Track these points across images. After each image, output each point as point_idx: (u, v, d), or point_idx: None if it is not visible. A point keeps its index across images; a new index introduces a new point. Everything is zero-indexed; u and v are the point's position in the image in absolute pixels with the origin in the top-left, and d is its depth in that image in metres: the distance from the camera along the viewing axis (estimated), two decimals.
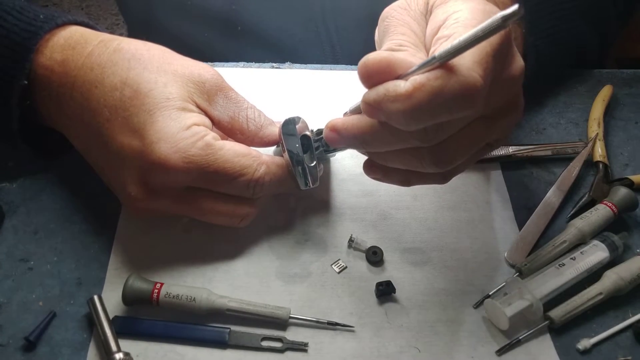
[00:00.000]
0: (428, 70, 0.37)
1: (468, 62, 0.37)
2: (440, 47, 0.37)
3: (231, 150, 0.46)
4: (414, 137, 0.40)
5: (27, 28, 0.48)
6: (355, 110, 0.44)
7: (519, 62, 0.42)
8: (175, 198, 0.47)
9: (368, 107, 0.39)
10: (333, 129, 0.44)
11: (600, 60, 0.73)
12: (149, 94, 0.45)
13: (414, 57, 0.39)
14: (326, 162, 0.56)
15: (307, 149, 0.48)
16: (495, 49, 0.38)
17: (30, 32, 0.47)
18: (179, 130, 0.44)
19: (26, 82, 0.48)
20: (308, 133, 0.48)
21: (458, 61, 0.36)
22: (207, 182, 0.46)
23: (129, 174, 0.46)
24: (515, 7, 0.33)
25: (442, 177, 0.45)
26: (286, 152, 0.47)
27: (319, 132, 0.49)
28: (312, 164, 0.48)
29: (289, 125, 0.48)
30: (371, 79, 0.39)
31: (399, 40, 0.41)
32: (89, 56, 0.47)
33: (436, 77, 0.36)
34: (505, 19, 0.33)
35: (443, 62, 0.36)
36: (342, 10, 0.71)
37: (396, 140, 0.41)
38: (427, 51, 0.41)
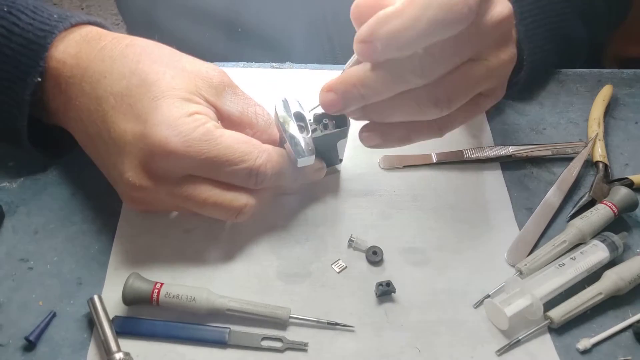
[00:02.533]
0: None
1: None
2: None
3: (232, 137, 0.46)
4: (412, 73, 0.41)
5: (41, 27, 0.48)
6: (349, 66, 0.45)
7: (505, 3, 0.44)
8: (174, 187, 0.46)
9: (362, 43, 0.41)
10: (329, 89, 0.44)
11: (593, 60, 0.73)
12: (156, 83, 0.46)
13: None
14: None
15: (300, 119, 0.48)
16: None
17: (44, 31, 0.48)
18: (181, 116, 0.45)
19: (39, 79, 0.48)
20: (301, 110, 0.48)
21: None
22: (207, 169, 0.46)
23: (129, 160, 0.46)
24: None
25: (439, 129, 0.47)
26: (281, 129, 0.47)
27: (315, 117, 0.49)
28: (308, 136, 0.48)
29: (283, 104, 0.48)
30: (363, 17, 0.41)
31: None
32: (101, 49, 0.48)
33: None
34: None
35: None
36: (342, 10, 0.71)
37: (395, 80, 0.42)
38: None
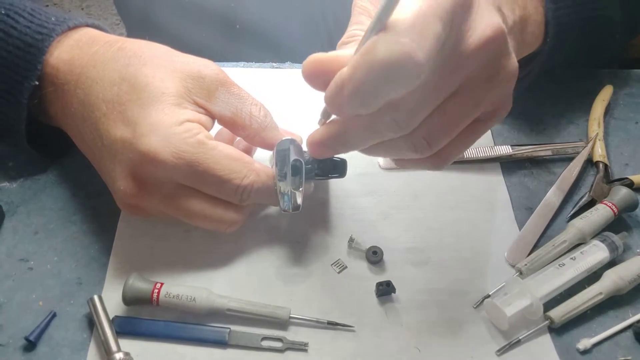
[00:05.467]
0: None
1: (400, 26, 0.34)
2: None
3: (223, 152, 0.45)
4: (387, 129, 0.39)
5: (39, 30, 0.48)
6: (325, 114, 0.44)
7: (489, 22, 0.38)
8: (165, 197, 0.47)
9: (330, 106, 0.39)
10: (313, 142, 0.44)
11: (621, 51, 0.68)
12: (145, 88, 0.45)
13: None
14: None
15: (296, 173, 0.47)
16: (442, 9, 0.35)
17: (42, 34, 0.48)
18: (172, 124, 0.44)
19: (37, 82, 0.48)
20: (300, 158, 0.47)
21: (391, 28, 0.34)
22: (195, 181, 0.46)
23: (120, 168, 0.46)
24: None
25: (432, 165, 0.43)
26: (275, 174, 0.47)
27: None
28: (298, 190, 0.47)
29: (284, 146, 0.47)
30: (313, 82, 0.39)
31: (353, 31, 0.42)
32: (93, 55, 0.48)
33: (366, 51, 0.35)
34: None
35: (377, 31, 0.34)
36: (342, 7, 0.71)
37: (371, 133, 0.41)
38: None
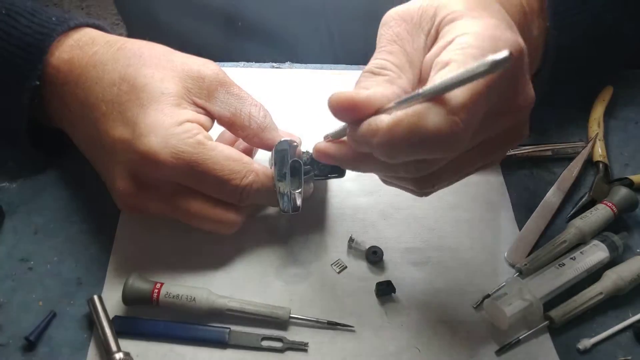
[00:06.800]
0: (412, 105, 0.35)
1: (453, 103, 0.34)
2: (428, 81, 0.35)
3: (222, 153, 0.45)
4: (400, 170, 0.40)
5: (40, 30, 0.48)
6: (337, 135, 0.43)
7: (528, 93, 0.40)
8: (164, 197, 0.47)
9: (354, 143, 0.39)
10: (321, 153, 0.43)
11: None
12: (144, 88, 0.45)
13: (386, 88, 0.38)
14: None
15: (295, 173, 0.47)
16: (491, 86, 0.35)
17: (43, 34, 0.48)
18: (171, 125, 0.44)
19: (38, 82, 0.48)
20: (299, 159, 0.47)
21: (444, 99, 0.34)
22: (195, 181, 0.46)
23: (119, 168, 0.46)
24: (505, 52, 0.31)
25: (421, 194, 0.45)
26: (274, 175, 0.47)
27: (312, 155, 0.48)
28: (297, 191, 0.47)
29: (283, 147, 0.47)
30: (340, 117, 0.39)
31: (383, 60, 0.40)
32: (93, 55, 0.48)
33: (414, 113, 0.35)
34: (494, 64, 0.31)
35: (427, 99, 0.35)
36: (343, 4, 0.71)
37: (382, 169, 0.41)
38: (423, 71, 0.40)
